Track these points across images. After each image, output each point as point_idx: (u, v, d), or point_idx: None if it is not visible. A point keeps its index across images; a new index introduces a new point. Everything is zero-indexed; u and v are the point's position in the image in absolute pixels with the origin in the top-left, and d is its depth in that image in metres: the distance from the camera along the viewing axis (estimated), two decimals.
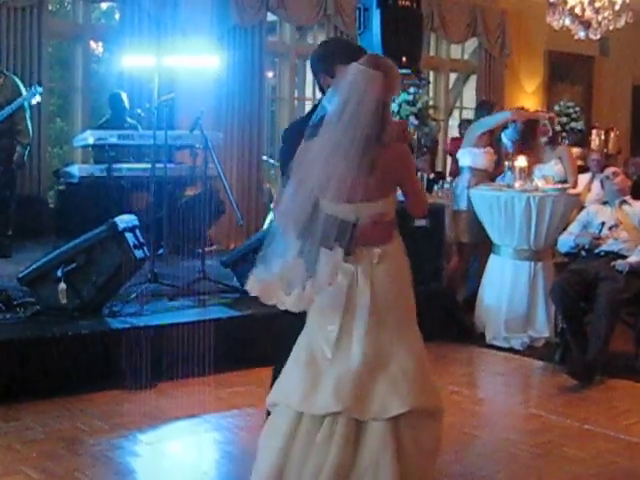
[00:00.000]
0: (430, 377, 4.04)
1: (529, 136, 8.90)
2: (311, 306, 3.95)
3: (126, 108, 10.42)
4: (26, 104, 9.17)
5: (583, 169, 10.55)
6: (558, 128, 13.76)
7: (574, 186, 8.68)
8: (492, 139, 9.12)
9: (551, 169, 8.69)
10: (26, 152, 9.28)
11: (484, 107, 9.79)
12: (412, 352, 3.94)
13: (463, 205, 8.87)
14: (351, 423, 3.80)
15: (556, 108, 14.76)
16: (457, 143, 11.38)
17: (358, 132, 3.74)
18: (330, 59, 4.31)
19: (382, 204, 3.86)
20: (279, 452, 3.86)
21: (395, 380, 3.86)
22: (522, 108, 10.39)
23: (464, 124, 12.84)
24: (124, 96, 10.48)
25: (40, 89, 9.29)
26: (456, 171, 10.12)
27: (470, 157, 8.99)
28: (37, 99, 9.30)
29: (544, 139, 8.88)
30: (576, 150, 12.50)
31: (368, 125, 3.75)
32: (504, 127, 9.22)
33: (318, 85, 4.43)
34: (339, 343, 3.87)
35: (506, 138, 9.11)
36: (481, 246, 8.82)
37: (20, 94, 9.13)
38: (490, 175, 8.97)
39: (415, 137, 10.78)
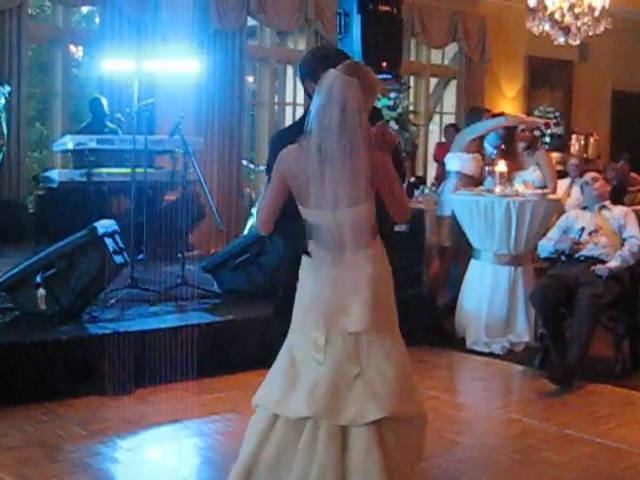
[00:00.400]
0: (412, 383, 4.04)
1: (508, 142, 8.91)
2: (294, 309, 3.98)
3: (106, 113, 10.39)
4: (1, 107, 9.11)
5: (563, 174, 10.57)
6: (537, 133, 13.85)
7: (554, 191, 8.69)
8: (481, 145, 9.13)
9: (530, 175, 8.70)
10: (1, 155, 9.21)
11: (475, 113, 9.77)
12: (392, 357, 3.94)
13: (448, 210, 8.86)
14: (334, 428, 3.81)
15: (536, 113, 14.85)
16: (443, 148, 11.40)
17: (338, 138, 3.74)
18: (317, 65, 4.30)
19: (363, 209, 3.86)
20: (250, 454, 3.92)
21: (373, 385, 3.87)
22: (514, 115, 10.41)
23: (449, 129, 12.87)
24: (104, 101, 10.46)
25: (8, 88, 9.23)
26: (442, 176, 10.14)
27: (459, 162, 8.98)
28: (5, 98, 9.21)
29: (522, 145, 8.89)
30: (556, 155, 12.55)
31: (347, 131, 3.75)
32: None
33: (305, 92, 4.43)
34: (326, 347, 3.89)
35: (488, 144, 9.12)
36: (463, 251, 8.84)
37: None
38: (476, 181, 8.97)
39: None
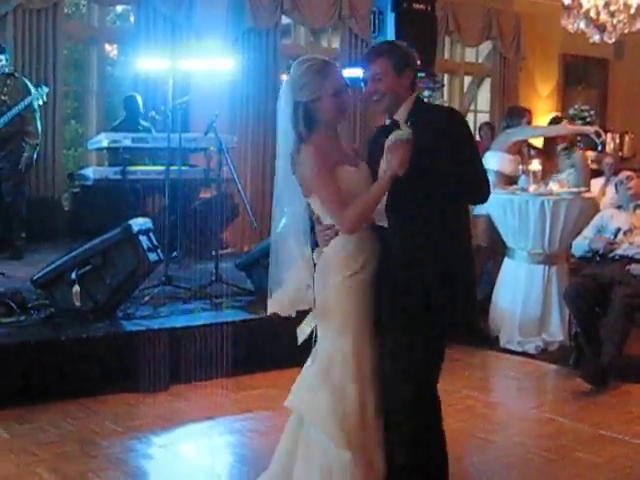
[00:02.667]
0: (328, 389, 3.94)
1: (548, 144, 8.86)
2: None
3: (141, 111, 10.45)
4: (35, 105, 9.19)
5: (598, 173, 10.52)
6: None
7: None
8: (521, 147, 9.08)
9: (567, 178, 8.62)
10: (34, 153, 9.29)
11: (516, 113, 9.65)
12: (318, 354, 3.99)
13: (483, 209, 8.81)
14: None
15: (570, 111, 14.77)
16: (479, 147, 11.34)
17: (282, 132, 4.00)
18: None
19: (312, 203, 4.01)
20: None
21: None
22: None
23: (483, 127, 12.82)
24: (139, 99, 10.51)
25: (46, 89, 9.31)
26: None
27: (498, 161, 8.89)
28: (42, 100, 9.29)
29: (561, 146, 8.82)
30: (590, 154, 12.46)
31: (289, 125, 3.95)
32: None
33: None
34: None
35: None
36: (497, 250, 8.80)
37: (28, 95, 9.14)
38: (513, 181, 8.91)
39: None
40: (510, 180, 8.87)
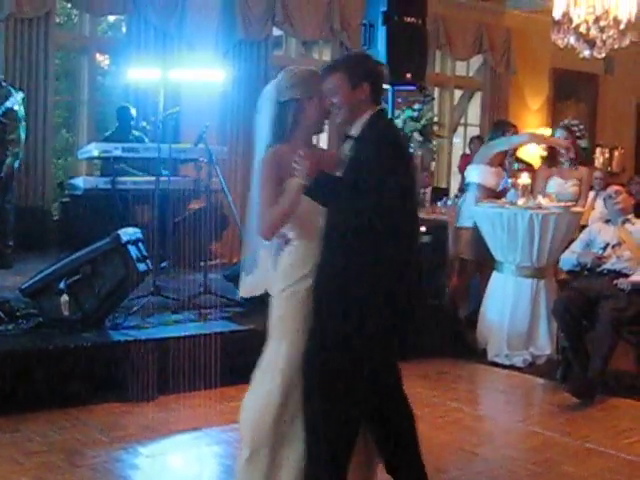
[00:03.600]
0: (257, 392, 4.13)
1: (551, 155, 8.88)
2: None
3: (133, 120, 10.45)
4: (20, 114, 9.17)
5: None
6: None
7: (583, 207, 8.69)
8: (503, 160, 9.10)
9: (568, 189, 8.61)
10: (16, 162, 9.25)
11: (499, 126, 9.68)
12: (262, 359, 4.17)
13: (468, 222, 8.83)
14: None
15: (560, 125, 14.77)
16: (468, 160, 11.38)
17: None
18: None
19: None
20: None
21: None
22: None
23: (474, 141, 12.85)
24: (132, 109, 10.51)
25: (22, 95, 9.27)
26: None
27: (480, 174, 8.93)
28: (21, 108, 9.26)
29: (565, 158, 8.77)
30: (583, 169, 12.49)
31: (266, 124, 4.18)
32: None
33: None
34: None
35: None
36: (484, 263, 8.83)
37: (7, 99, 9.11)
38: (496, 194, 8.94)
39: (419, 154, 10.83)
40: (493, 193, 8.89)
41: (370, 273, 3.86)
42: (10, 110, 9.06)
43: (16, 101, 9.15)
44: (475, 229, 8.58)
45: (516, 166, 9.30)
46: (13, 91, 9.24)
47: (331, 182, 3.93)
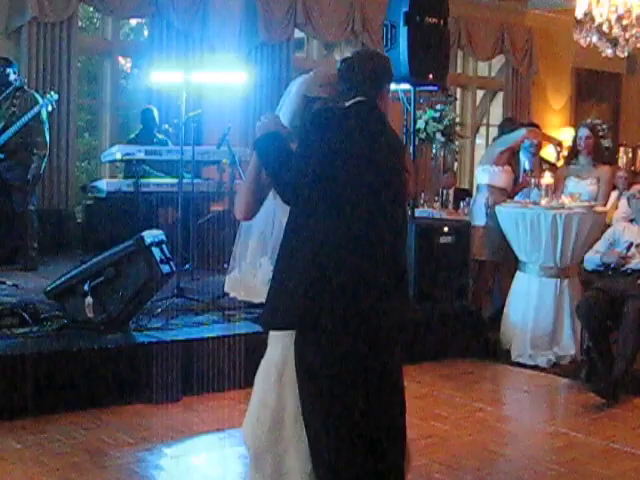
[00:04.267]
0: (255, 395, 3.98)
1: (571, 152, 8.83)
2: None
3: (157, 124, 10.48)
4: (44, 117, 9.21)
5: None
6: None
7: (603, 206, 8.64)
8: (512, 158, 9.07)
9: (585, 187, 8.57)
10: (43, 164, 9.30)
11: (507, 124, 9.68)
12: (262, 361, 3.99)
13: (480, 222, 8.83)
14: None
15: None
16: None
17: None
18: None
19: None
20: None
21: None
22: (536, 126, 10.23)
23: None
24: (155, 112, 10.55)
25: (55, 96, 9.31)
26: None
27: (488, 175, 8.93)
28: (52, 106, 9.30)
29: (586, 155, 8.71)
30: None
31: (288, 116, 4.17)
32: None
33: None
34: None
35: (523, 155, 9.07)
36: (501, 264, 8.82)
37: (37, 103, 9.16)
38: (507, 194, 8.90)
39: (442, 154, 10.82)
40: (505, 194, 8.86)
41: (299, 251, 3.68)
42: (37, 115, 9.11)
43: (49, 102, 9.19)
44: (489, 229, 8.58)
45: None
46: (37, 96, 9.28)
47: (277, 142, 3.86)
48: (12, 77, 9.19)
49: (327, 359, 3.66)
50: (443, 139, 10.77)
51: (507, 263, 8.69)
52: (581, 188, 8.51)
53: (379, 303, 3.66)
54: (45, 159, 9.33)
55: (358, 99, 3.91)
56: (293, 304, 3.65)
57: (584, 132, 8.71)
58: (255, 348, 6.82)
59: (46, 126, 9.28)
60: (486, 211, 8.82)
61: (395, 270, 3.73)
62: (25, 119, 8.99)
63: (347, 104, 3.92)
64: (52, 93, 9.34)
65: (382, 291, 3.67)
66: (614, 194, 9.69)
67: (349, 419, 3.67)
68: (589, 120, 9.97)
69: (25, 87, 9.39)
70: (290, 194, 3.73)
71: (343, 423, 3.68)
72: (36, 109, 9.05)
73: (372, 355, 3.68)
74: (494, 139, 9.54)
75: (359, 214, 3.67)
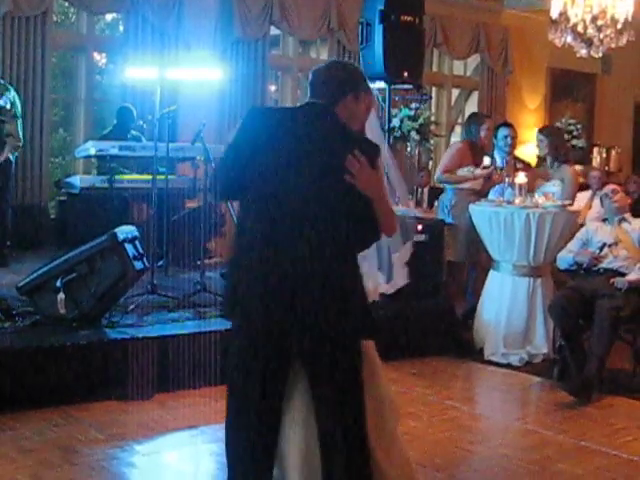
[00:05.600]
0: None
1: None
2: None
3: (133, 120, 10.44)
4: (18, 112, 9.16)
5: (585, 186, 10.55)
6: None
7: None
8: (476, 157, 8.96)
9: (552, 188, 8.60)
10: (14, 156, 9.22)
11: (473, 119, 9.56)
12: None
13: (452, 218, 8.87)
14: None
15: (558, 125, 14.79)
16: None
17: None
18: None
19: None
20: None
21: None
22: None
23: None
24: (133, 110, 10.49)
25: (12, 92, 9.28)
26: None
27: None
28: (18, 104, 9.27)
29: (549, 158, 8.74)
30: (578, 167, 12.50)
31: None
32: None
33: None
34: None
35: (497, 154, 9.06)
36: (471, 263, 8.86)
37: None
38: (477, 192, 8.86)
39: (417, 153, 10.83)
40: (473, 193, 8.83)
41: (233, 243, 3.99)
42: (3, 107, 9.04)
43: (9, 98, 9.13)
44: (450, 230, 8.63)
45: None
46: (10, 87, 9.23)
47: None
48: None
49: (234, 345, 3.92)
50: (418, 137, 10.79)
51: (476, 263, 8.71)
52: (546, 189, 8.55)
53: (295, 301, 3.68)
54: (17, 150, 9.26)
55: (310, 101, 3.96)
56: (225, 295, 4.09)
57: (538, 137, 8.78)
58: (229, 345, 6.88)
59: (19, 120, 9.22)
60: (448, 212, 8.87)
61: (321, 269, 3.70)
62: None
63: (298, 105, 4.02)
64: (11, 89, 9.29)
65: (298, 289, 3.68)
66: (586, 194, 9.75)
67: (238, 404, 3.87)
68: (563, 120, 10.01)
69: (1, 81, 9.33)
70: (219, 189, 3.95)
71: (233, 406, 3.90)
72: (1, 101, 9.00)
73: (277, 350, 3.77)
74: (464, 132, 9.45)
75: (277, 212, 3.74)
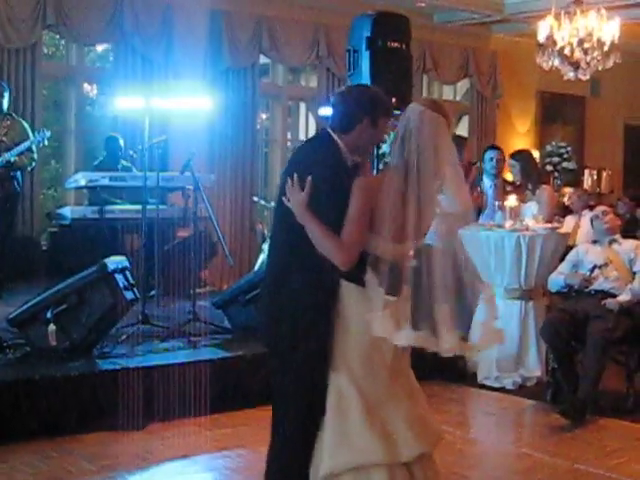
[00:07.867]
0: None
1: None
2: (352, 353, 4.01)
3: (121, 150, 10.46)
4: (34, 148, 9.20)
5: (568, 209, 10.56)
6: (550, 168, 13.81)
7: None
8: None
9: (528, 210, 8.60)
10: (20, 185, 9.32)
11: (454, 142, 9.56)
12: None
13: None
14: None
15: (548, 148, 14.85)
16: None
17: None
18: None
19: None
20: None
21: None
22: None
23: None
24: (120, 140, 10.52)
25: (48, 133, 9.30)
26: None
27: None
28: (43, 144, 9.33)
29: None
30: (568, 190, 12.51)
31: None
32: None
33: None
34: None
35: (486, 177, 9.07)
36: None
37: (28, 137, 9.15)
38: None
39: None
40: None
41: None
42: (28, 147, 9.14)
43: (41, 139, 9.21)
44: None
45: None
46: (27, 128, 9.32)
47: None
48: (5, 105, 9.19)
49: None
50: None
51: None
52: (523, 211, 8.54)
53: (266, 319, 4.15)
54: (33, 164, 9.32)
55: (321, 129, 4.20)
56: None
57: (509, 162, 8.82)
58: (220, 374, 6.88)
59: (35, 156, 9.27)
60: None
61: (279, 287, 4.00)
62: (17, 151, 8.97)
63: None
64: (44, 131, 9.30)
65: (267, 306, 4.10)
66: (574, 217, 9.73)
67: None
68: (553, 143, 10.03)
69: (14, 115, 9.39)
70: None
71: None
72: (27, 144, 9.04)
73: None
74: None
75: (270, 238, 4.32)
